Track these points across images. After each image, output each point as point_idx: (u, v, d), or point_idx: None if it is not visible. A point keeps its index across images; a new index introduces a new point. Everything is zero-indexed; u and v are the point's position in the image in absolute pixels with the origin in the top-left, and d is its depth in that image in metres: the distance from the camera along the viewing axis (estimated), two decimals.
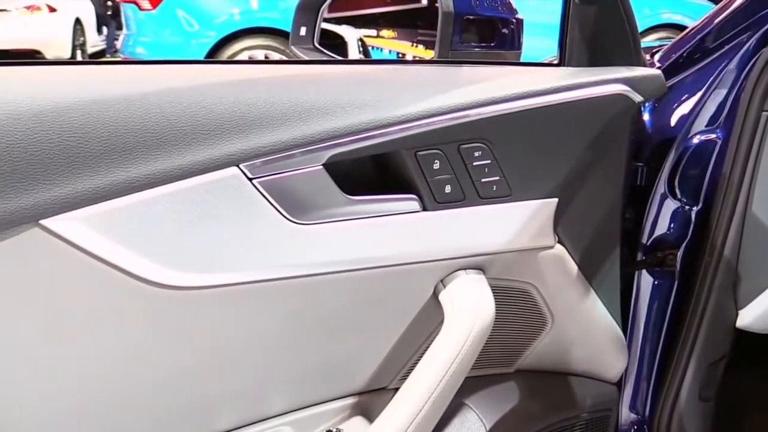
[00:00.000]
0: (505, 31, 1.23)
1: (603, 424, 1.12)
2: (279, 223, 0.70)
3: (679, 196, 1.11)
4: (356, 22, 2.04)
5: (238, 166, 0.68)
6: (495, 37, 1.22)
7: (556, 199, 0.86)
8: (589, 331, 0.99)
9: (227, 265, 0.69)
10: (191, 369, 0.71)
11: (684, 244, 1.11)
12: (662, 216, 1.13)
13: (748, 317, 1.12)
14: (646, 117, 1.15)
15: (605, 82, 0.88)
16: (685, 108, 1.10)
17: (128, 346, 0.68)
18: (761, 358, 1.53)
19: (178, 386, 0.72)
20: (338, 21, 1.78)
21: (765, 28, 1.03)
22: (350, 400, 0.81)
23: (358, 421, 0.81)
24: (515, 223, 0.82)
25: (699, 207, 1.09)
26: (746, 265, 1.09)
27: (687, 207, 1.10)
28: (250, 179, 0.69)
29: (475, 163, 0.79)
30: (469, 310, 0.75)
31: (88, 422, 0.69)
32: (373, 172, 0.80)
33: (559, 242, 0.87)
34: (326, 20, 1.51)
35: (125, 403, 0.70)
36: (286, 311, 0.73)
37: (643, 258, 1.14)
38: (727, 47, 1.06)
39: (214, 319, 0.70)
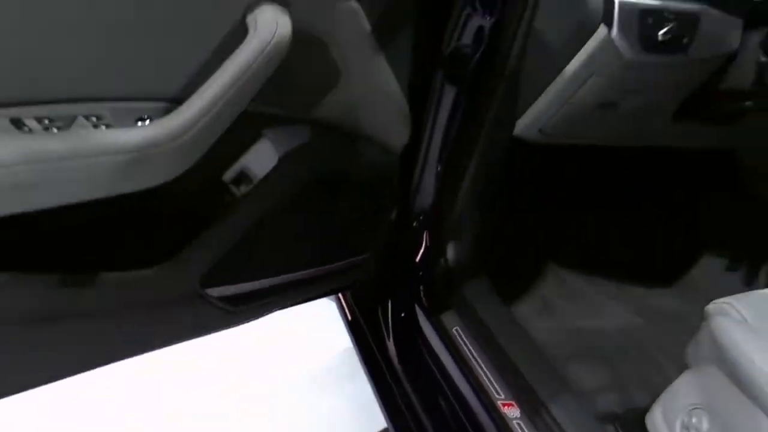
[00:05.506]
0: None
1: (384, 187, 1.27)
2: None
3: (477, 6, 1.18)
4: None
5: None
6: None
7: None
8: (378, 97, 1.11)
9: None
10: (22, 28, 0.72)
11: (477, 54, 1.19)
12: (462, 26, 1.20)
13: (520, 126, 1.26)
14: None
15: None
16: None
17: None
18: None
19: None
20: None
21: None
22: (162, 105, 0.88)
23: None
24: None
25: (493, 17, 1.17)
26: (527, 76, 1.21)
27: (483, 17, 1.17)
28: None
29: None
30: (269, 28, 0.85)
31: None
32: None
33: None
34: None
35: None
36: None
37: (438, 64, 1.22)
38: None
39: None
